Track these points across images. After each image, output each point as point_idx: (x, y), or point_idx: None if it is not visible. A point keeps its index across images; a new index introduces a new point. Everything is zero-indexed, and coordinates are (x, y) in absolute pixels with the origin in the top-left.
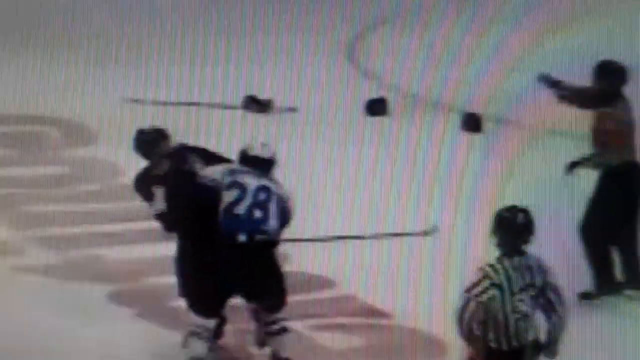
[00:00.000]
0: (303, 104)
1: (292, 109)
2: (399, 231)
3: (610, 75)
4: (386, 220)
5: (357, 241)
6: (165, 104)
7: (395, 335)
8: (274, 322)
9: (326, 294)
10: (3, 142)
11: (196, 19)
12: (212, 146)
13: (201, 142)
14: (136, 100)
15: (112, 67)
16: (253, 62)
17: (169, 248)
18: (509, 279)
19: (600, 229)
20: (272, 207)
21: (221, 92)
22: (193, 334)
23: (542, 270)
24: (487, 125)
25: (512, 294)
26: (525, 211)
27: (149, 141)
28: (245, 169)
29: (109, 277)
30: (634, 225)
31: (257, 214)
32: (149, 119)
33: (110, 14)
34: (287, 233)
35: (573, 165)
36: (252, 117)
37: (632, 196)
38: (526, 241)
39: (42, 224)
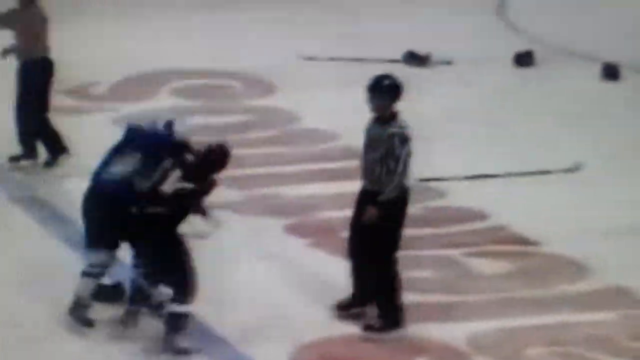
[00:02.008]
0: (459, 58)
1: (448, 62)
2: (546, 169)
3: None
4: (533, 159)
5: (507, 178)
6: (334, 59)
7: (541, 261)
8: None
9: (479, 224)
10: (193, 93)
11: None
12: None
13: (364, 97)
14: (309, 57)
15: (287, 27)
16: (413, 19)
17: (340, 186)
18: None
19: None
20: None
21: (384, 47)
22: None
23: None
24: (626, 74)
25: None
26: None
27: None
28: None
29: (286, 212)
30: None
31: None
32: (319, 74)
33: None
34: (445, 172)
35: None
36: (413, 71)
37: None
38: None
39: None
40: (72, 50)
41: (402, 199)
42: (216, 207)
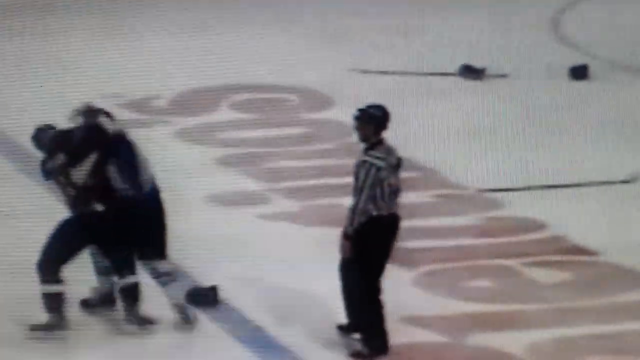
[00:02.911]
0: (513, 71)
1: (503, 76)
2: (603, 180)
3: None
4: (590, 170)
5: (564, 189)
6: (389, 73)
7: (600, 271)
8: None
9: (538, 235)
10: (251, 107)
11: None
12: (431, 110)
13: (423, 107)
14: (365, 71)
15: (341, 41)
16: (467, 33)
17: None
18: None
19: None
20: None
21: (439, 60)
22: None
23: None
24: None
25: None
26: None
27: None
28: None
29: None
30: None
31: None
32: (375, 87)
33: None
34: (503, 183)
35: None
36: (468, 84)
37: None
38: None
39: (285, 177)
40: (133, 63)
41: (371, 228)
42: (276, 218)
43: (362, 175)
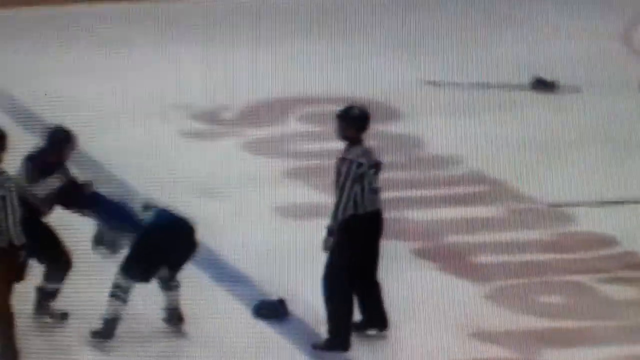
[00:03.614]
0: (585, 84)
1: (575, 89)
2: None
3: None
4: None
5: (636, 205)
6: (459, 85)
7: None
8: None
9: (610, 250)
10: (319, 119)
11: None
12: (502, 123)
13: (493, 120)
14: (433, 82)
15: (410, 52)
16: (537, 44)
17: (465, 211)
18: None
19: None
20: None
21: (510, 72)
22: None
23: None
24: None
25: None
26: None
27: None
28: None
29: (413, 236)
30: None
31: None
32: (446, 99)
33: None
34: (575, 198)
35: None
36: (539, 97)
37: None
38: None
39: None
40: (202, 74)
41: (354, 224)
42: None
43: (343, 172)
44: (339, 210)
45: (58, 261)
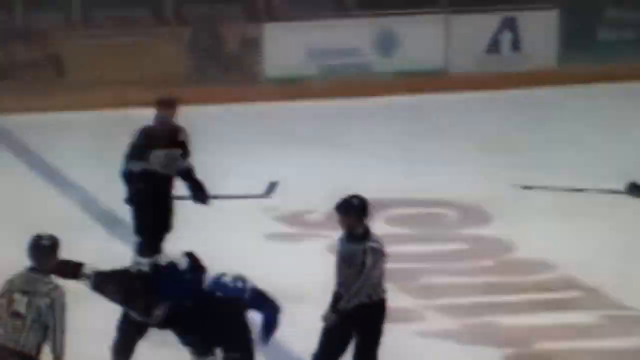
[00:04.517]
0: None
1: None
2: None
3: None
4: None
5: None
6: (551, 188)
7: None
8: None
9: None
10: (408, 221)
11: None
12: (595, 228)
13: (587, 226)
14: (526, 186)
15: (502, 154)
16: (634, 148)
17: (557, 317)
18: None
19: None
20: None
21: (605, 175)
22: None
23: None
24: None
25: None
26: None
27: None
28: None
29: (503, 342)
30: None
31: None
32: (537, 203)
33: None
34: None
35: None
36: (634, 201)
37: None
38: None
39: (442, 294)
40: (288, 178)
41: (363, 310)
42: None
43: (369, 261)
44: (354, 295)
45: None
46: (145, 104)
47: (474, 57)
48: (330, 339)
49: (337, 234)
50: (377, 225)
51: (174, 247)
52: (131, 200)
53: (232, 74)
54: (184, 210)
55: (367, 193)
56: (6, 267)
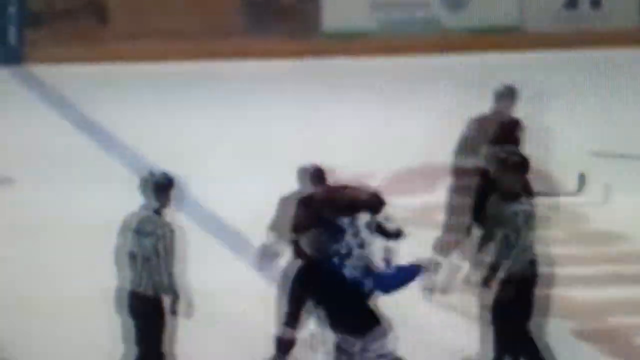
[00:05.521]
0: None
1: None
2: None
3: None
4: None
5: None
6: (627, 157)
7: None
8: None
9: None
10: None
11: None
12: None
13: None
14: (599, 153)
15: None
16: None
17: (634, 292)
18: None
19: None
20: None
21: None
22: None
23: None
24: None
25: None
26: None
27: None
28: None
29: (574, 315)
30: None
31: None
32: (613, 171)
33: None
34: None
35: None
36: None
37: None
38: None
39: None
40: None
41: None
42: None
43: (521, 227)
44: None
45: None
46: (192, 57)
47: (551, 13)
48: None
49: (398, 199)
50: (438, 193)
51: None
52: None
53: (288, 26)
54: None
55: (428, 155)
56: None
